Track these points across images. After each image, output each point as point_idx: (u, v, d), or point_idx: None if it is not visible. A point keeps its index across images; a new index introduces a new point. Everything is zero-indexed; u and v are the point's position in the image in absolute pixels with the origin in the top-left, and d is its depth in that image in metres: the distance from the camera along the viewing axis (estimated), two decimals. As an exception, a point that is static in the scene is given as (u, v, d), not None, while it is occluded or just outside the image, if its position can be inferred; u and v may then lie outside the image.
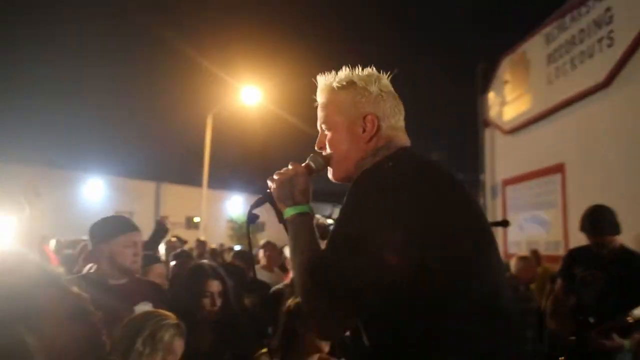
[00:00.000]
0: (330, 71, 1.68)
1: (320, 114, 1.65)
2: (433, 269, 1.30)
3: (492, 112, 13.63)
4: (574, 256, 4.09)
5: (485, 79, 13.96)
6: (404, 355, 1.31)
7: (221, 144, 29.72)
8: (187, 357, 2.83)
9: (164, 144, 35.67)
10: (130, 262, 2.70)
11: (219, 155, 29.68)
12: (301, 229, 1.52)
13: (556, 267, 8.71)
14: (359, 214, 1.35)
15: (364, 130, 1.56)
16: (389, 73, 1.68)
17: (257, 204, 1.71)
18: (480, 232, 1.49)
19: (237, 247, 28.36)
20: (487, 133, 13.90)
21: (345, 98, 1.59)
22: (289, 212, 1.56)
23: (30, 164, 28.89)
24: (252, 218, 1.71)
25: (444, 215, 1.39)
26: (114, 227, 2.77)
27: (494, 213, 13.60)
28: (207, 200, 28.91)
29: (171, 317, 2.20)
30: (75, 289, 1.53)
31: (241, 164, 38.61)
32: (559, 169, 10.58)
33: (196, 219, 32.49)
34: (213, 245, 17.45)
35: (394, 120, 1.60)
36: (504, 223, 3.99)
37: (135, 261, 2.73)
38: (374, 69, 1.66)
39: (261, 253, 6.32)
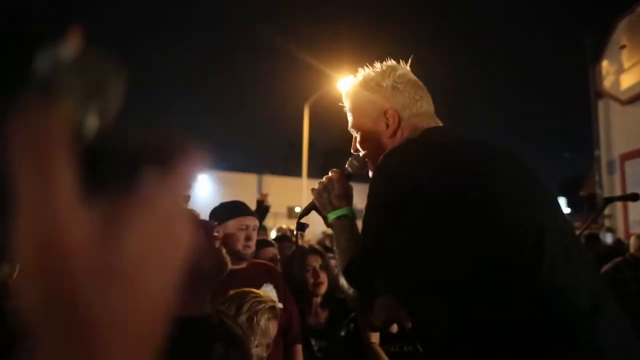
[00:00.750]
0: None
1: (348, 120, 1.68)
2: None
3: (607, 82, 12.53)
4: None
5: (595, 47, 12.87)
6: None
7: (319, 134, 30.18)
8: (304, 333, 2.92)
9: (264, 137, 36.96)
10: (242, 246, 2.70)
11: (317, 144, 30.18)
12: (340, 231, 1.59)
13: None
14: (374, 207, 1.37)
15: (388, 126, 1.56)
16: (408, 60, 1.66)
17: (304, 213, 1.80)
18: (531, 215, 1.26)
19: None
20: (601, 105, 12.83)
21: (363, 99, 1.61)
22: (330, 217, 1.65)
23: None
24: (301, 227, 1.82)
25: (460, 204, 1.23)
26: (228, 210, 2.82)
27: (611, 191, 12.56)
28: (308, 190, 29.46)
29: (267, 299, 2.21)
30: None
31: (340, 152, 38.91)
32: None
33: (297, 209, 33.29)
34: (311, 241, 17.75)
35: (416, 108, 1.57)
36: (634, 197, 3.49)
37: (247, 245, 2.72)
38: (391, 60, 1.64)
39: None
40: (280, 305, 2.71)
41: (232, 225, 2.74)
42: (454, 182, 1.25)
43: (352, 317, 3.26)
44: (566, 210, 47.59)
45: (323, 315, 3.13)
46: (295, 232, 1.83)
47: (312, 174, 30.36)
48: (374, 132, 1.58)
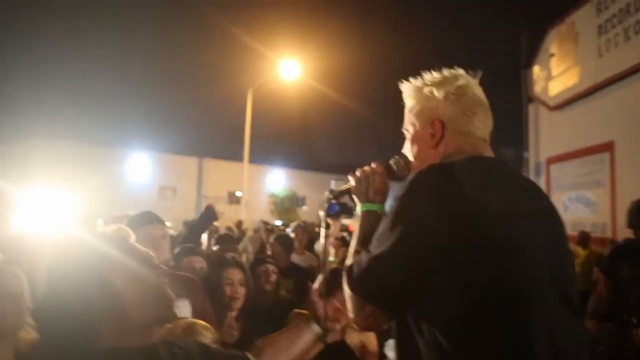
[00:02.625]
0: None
1: (404, 119, 1.67)
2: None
3: (537, 87, 13.05)
4: (620, 253, 3.83)
5: (529, 52, 13.33)
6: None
7: (262, 119, 29.91)
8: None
9: (206, 120, 36.17)
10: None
11: (259, 129, 29.88)
12: (365, 224, 1.60)
13: (602, 249, 8.44)
14: (393, 221, 1.35)
15: (432, 136, 1.54)
16: (474, 73, 1.62)
17: (338, 194, 1.83)
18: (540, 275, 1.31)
19: (278, 222, 28.77)
20: (532, 109, 13.37)
21: (417, 104, 1.60)
22: (361, 207, 1.67)
23: (78, 141, 29.86)
24: (332, 208, 1.79)
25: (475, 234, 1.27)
26: (134, 221, 2.71)
27: (537, 192, 13.15)
28: (249, 175, 29.23)
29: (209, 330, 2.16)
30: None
31: (282, 138, 38.82)
32: (607, 147, 10.07)
33: (238, 193, 32.96)
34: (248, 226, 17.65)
35: (464, 124, 1.52)
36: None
37: (156, 256, 2.63)
38: (457, 69, 1.59)
39: (293, 235, 6.30)
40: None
41: (137, 236, 2.65)
42: (475, 237, 1.25)
43: (271, 329, 3.26)
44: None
45: (237, 329, 3.10)
46: (324, 214, 1.88)
47: (253, 160, 30.09)
48: (419, 139, 1.58)
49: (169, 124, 34.27)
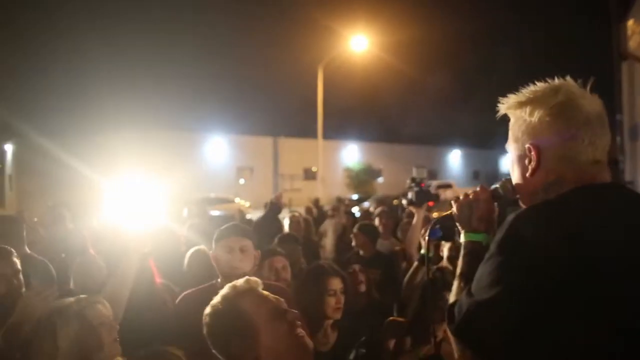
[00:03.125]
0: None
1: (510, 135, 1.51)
2: None
3: (632, 43, 11.98)
4: None
5: (622, 4, 12.23)
6: None
7: (333, 94, 29.81)
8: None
9: (278, 99, 36.53)
10: (229, 268, 2.62)
11: (331, 105, 29.82)
12: (468, 256, 1.51)
13: None
14: (494, 270, 1.24)
15: (530, 161, 1.37)
16: (588, 82, 1.38)
17: (441, 221, 1.75)
18: None
19: (355, 196, 28.81)
20: (625, 67, 12.31)
21: (514, 123, 1.43)
22: (464, 236, 1.57)
23: (159, 127, 31.22)
24: (434, 233, 1.78)
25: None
26: (219, 232, 2.76)
27: (633, 158, 12.23)
28: (323, 151, 29.43)
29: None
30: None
31: (354, 112, 38.56)
32: None
33: (313, 169, 33.25)
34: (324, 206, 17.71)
35: (564, 148, 1.32)
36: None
37: (234, 267, 2.62)
38: (568, 79, 1.37)
39: (377, 221, 6.19)
40: None
41: (219, 246, 2.69)
42: (588, 289, 1.14)
43: (363, 340, 3.20)
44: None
45: (332, 336, 3.05)
46: (426, 239, 1.81)
47: (327, 135, 30.23)
48: (517, 165, 1.44)
49: (243, 106, 34.99)
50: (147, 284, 2.93)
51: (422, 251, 3.86)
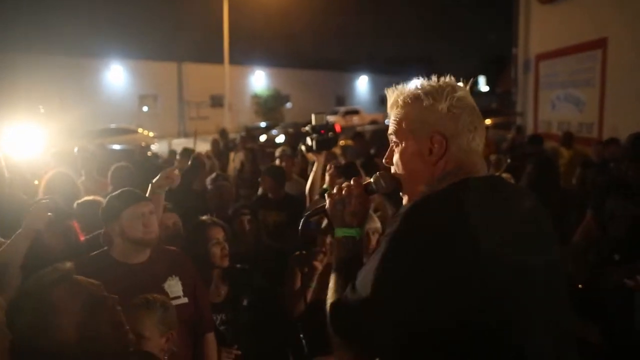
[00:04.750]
0: None
1: (390, 126, 1.53)
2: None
3: (529, -22, 12.39)
4: (609, 186, 3.78)
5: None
6: None
7: (240, 17, 28.48)
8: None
9: (182, 22, 34.24)
10: (142, 233, 2.56)
11: (238, 29, 28.58)
12: (342, 251, 1.56)
13: (588, 150, 8.51)
14: (382, 266, 1.29)
15: (431, 152, 1.42)
16: (468, 81, 1.51)
17: (313, 214, 1.75)
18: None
19: (263, 124, 28.51)
20: (522, 2, 12.78)
21: (413, 115, 1.45)
22: (337, 232, 1.59)
23: (54, 53, 28.45)
24: (307, 225, 1.77)
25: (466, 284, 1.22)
26: (118, 202, 2.62)
27: (525, 89, 13.00)
28: (230, 77, 28.53)
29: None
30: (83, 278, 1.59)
31: (261, 36, 37.25)
32: (600, 44, 9.76)
33: (219, 97, 32.18)
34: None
35: (467, 140, 1.42)
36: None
37: (148, 232, 2.57)
38: (451, 77, 1.48)
39: (277, 162, 6.20)
40: (185, 300, 2.66)
41: (126, 215, 2.57)
42: (471, 290, 1.21)
43: (254, 287, 3.30)
44: (484, 88, 49.73)
45: (223, 288, 3.18)
46: (299, 230, 1.79)
47: (234, 61, 29.21)
48: (415, 154, 1.45)
49: (144, 30, 32.42)
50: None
51: (324, 186, 3.99)
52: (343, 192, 1.58)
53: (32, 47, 27.15)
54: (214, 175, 4.73)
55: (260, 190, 5.47)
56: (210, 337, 2.81)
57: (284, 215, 4.99)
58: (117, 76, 33.55)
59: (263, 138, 20.69)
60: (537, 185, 4.44)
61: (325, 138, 4.51)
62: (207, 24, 31.02)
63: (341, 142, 11.68)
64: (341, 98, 46.51)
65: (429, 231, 1.24)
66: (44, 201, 2.48)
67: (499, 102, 24.34)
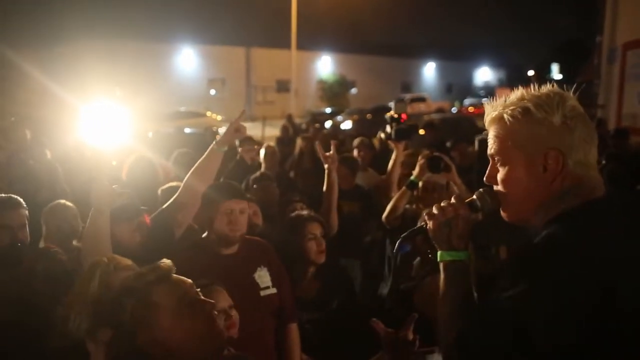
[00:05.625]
0: None
1: (491, 144, 1.42)
2: None
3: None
4: None
5: None
6: None
7: (307, 3, 28.46)
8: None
9: (251, 7, 34.63)
10: (227, 230, 2.58)
11: (305, 15, 28.60)
12: (453, 277, 1.46)
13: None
14: (517, 298, 1.21)
15: (546, 169, 1.32)
16: (573, 88, 1.38)
17: (411, 236, 1.64)
18: None
19: (328, 110, 28.51)
20: (610, -13, 12.00)
21: (521, 130, 1.34)
22: (443, 256, 1.49)
23: (124, 38, 29.55)
24: (402, 247, 1.68)
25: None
26: (215, 194, 2.67)
27: (609, 80, 12.24)
28: (297, 62, 28.69)
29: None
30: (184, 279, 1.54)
31: (328, 22, 37.06)
32: (697, 32, 9.00)
33: (287, 83, 32.41)
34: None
35: (583, 153, 1.32)
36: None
37: (233, 229, 2.59)
38: (555, 86, 1.36)
39: (355, 152, 6.10)
40: (274, 290, 2.68)
41: (218, 209, 2.61)
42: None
43: (347, 287, 3.24)
44: (557, 76, 47.43)
45: (315, 286, 3.09)
46: (394, 254, 1.77)
47: (300, 46, 29.33)
48: (524, 173, 1.35)
49: (213, 15, 33.01)
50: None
51: (412, 177, 3.88)
52: (448, 212, 1.48)
53: (107, 34, 28.35)
54: (257, 174, 4.66)
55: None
56: (294, 327, 2.79)
57: (357, 205, 4.93)
58: (187, 60, 34.53)
59: (328, 124, 20.69)
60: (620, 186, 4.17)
61: (405, 127, 4.42)
62: (275, 9, 31.24)
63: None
64: (407, 85, 45.77)
65: (586, 249, 1.19)
66: (101, 175, 2.38)
67: (576, 93, 23.15)
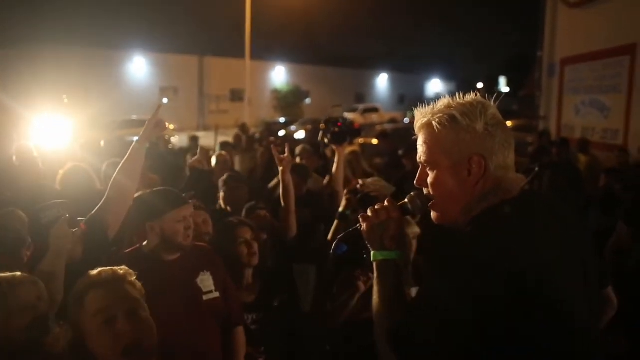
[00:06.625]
0: None
1: (420, 149, 1.49)
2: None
3: (557, -19, 12.23)
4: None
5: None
6: None
7: (262, 13, 28.50)
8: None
9: (205, 15, 34.38)
10: (182, 237, 2.60)
11: (260, 24, 28.62)
12: (385, 276, 1.53)
13: (611, 156, 8.43)
14: (439, 287, 1.32)
15: (470, 173, 1.41)
16: (494, 97, 1.49)
17: (346, 238, 1.69)
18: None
19: (282, 120, 28.52)
20: (549, 4, 12.61)
21: (447, 136, 1.42)
22: (375, 255, 1.56)
23: (77, 45, 28.75)
24: (339, 248, 1.72)
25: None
26: (163, 203, 2.65)
27: (549, 94, 12.84)
28: (251, 72, 28.60)
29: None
30: None
31: (283, 32, 37.27)
32: (629, 50, 9.61)
33: (239, 92, 32.24)
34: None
35: (503, 157, 1.42)
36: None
37: (187, 235, 2.62)
38: (479, 94, 1.46)
39: (297, 160, 6.22)
40: (216, 295, 2.71)
41: (169, 218, 2.61)
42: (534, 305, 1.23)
43: (286, 287, 3.33)
44: (505, 89, 49.18)
45: (255, 287, 3.20)
46: (332, 254, 1.74)
47: (255, 55, 29.28)
48: (452, 176, 1.43)
49: (166, 23, 32.61)
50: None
51: (341, 210, 4.00)
52: (381, 215, 1.56)
53: (56, 39, 27.50)
54: (225, 176, 4.72)
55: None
56: (240, 330, 2.84)
57: (308, 211, 5.02)
58: (139, 68, 33.85)
59: (282, 133, 20.75)
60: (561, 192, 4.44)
61: (344, 130, 4.58)
62: (229, 18, 31.12)
63: (360, 141, 11.69)
64: (361, 95, 46.40)
65: (503, 241, 1.28)
66: (63, 218, 2.37)
67: (520, 105, 24.09)
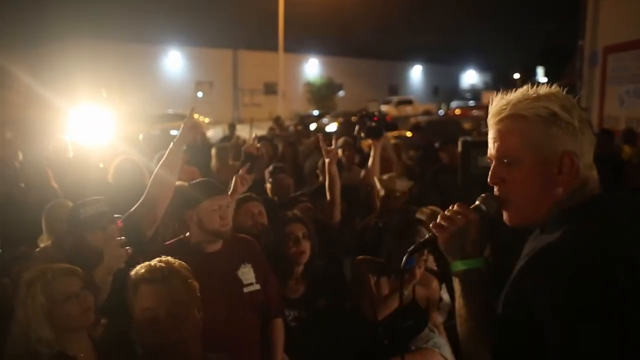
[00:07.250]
0: None
1: (499, 143, 1.37)
2: None
3: (599, -34, 11.83)
4: None
5: None
6: None
7: (295, 6, 28.48)
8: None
9: (238, 10, 34.59)
10: (218, 225, 2.63)
11: (293, 17, 28.61)
12: (473, 290, 1.39)
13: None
14: (535, 305, 1.20)
15: (560, 172, 1.30)
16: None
17: (418, 249, 1.59)
18: None
19: (315, 112, 28.53)
20: (592, -8, 12.21)
21: (540, 130, 1.30)
22: (457, 265, 1.41)
23: (112, 39, 29.35)
24: (409, 262, 1.68)
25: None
26: (199, 192, 2.70)
27: (590, 84, 12.44)
28: (284, 65, 28.69)
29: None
30: None
31: (316, 25, 37.14)
32: (675, 36, 9.23)
33: (274, 85, 32.37)
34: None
35: (589, 157, 1.34)
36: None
37: (224, 224, 2.64)
38: (555, 85, 1.35)
39: (340, 152, 6.19)
40: (257, 287, 2.71)
41: (205, 207, 2.64)
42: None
43: (336, 287, 3.28)
44: (543, 79, 47.99)
45: (302, 285, 3.14)
46: (402, 267, 1.65)
47: (288, 49, 29.35)
48: (537, 175, 1.32)
49: (201, 17, 32.96)
50: None
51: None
52: (459, 221, 1.42)
53: (92, 34, 28.16)
54: (271, 167, 4.76)
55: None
56: (279, 322, 2.84)
57: (344, 204, 5.01)
58: (174, 63, 34.39)
59: (313, 126, 20.75)
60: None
61: (380, 125, 4.56)
62: (262, 11, 31.23)
63: (395, 133, 11.56)
64: (394, 87, 46.02)
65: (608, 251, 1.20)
66: (117, 239, 2.39)
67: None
